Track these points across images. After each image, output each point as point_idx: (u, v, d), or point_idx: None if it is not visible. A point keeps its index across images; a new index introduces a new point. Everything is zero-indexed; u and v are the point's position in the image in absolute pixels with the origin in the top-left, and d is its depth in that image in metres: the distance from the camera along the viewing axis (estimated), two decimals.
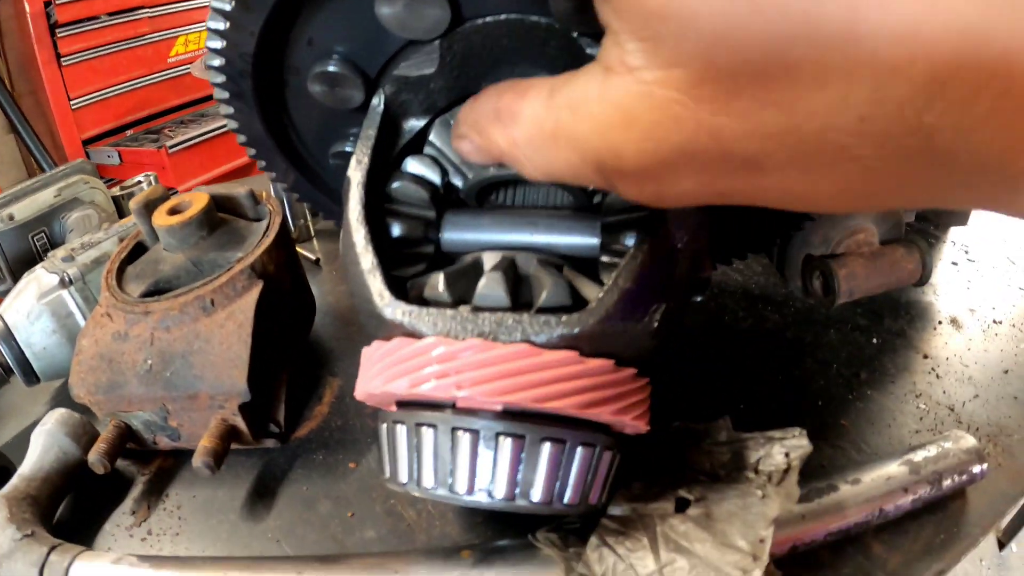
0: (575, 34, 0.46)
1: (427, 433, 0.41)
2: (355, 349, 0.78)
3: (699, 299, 0.54)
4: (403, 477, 0.43)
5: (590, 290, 0.45)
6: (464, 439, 0.40)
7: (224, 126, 2.82)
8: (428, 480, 0.42)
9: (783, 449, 0.52)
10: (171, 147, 2.67)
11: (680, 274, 0.46)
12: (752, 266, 0.86)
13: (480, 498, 0.41)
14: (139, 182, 1.16)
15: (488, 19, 0.47)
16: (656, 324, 0.43)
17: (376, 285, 0.43)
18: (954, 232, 0.92)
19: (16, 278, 0.92)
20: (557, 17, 0.45)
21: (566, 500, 0.42)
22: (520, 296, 0.44)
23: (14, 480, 0.61)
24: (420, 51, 0.50)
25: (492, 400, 0.39)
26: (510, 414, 0.40)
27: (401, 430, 0.43)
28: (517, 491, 0.41)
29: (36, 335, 0.77)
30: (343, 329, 0.83)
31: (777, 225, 0.65)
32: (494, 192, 0.54)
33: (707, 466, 0.54)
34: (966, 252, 0.88)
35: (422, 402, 0.42)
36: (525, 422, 0.40)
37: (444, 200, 0.54)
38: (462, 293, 0.45)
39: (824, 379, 0.69)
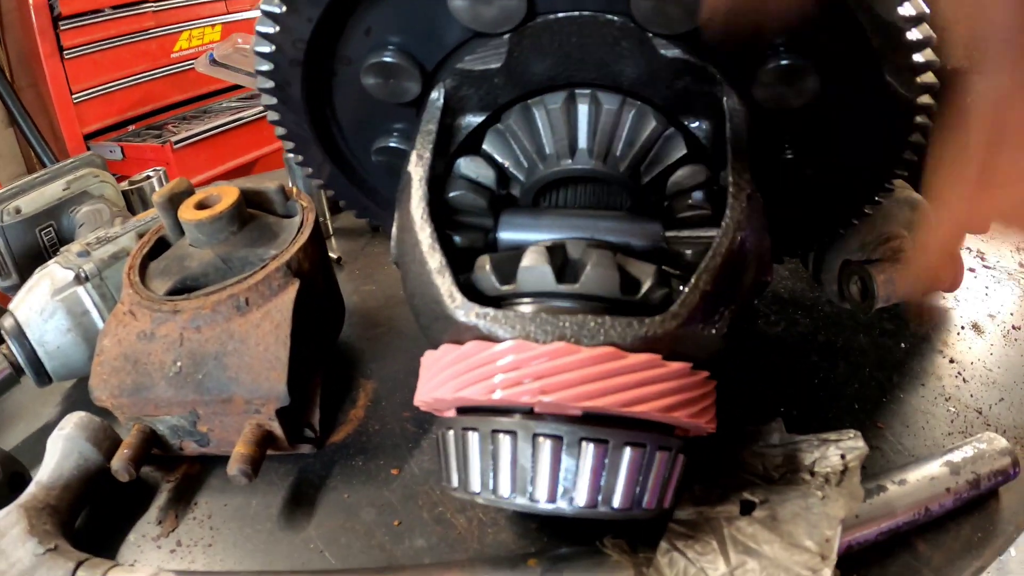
0: (650, 34, 0.45)
1: (504, 440, 0.39)
2: (385, 350, 0.77)
3: (757, 302, 0.53)
4: (475, 486, 0.41)
5: (642, 270, 0.43)
6: (546, 445, 0.38)
7: (228, 123, 2.83)
8: (505, 488, 0.39)
9: (839, 451, 0.53)
10: (176, 143, 2.63)
11: (750, 278, 0.45)
12: (780, 270, 0.86)
13: (562, 505, 0.39)
14: (148, 176, 1.13)
15: (561, 15, 0.46)
16: (727, 327, 0.42)
17: (446, 286, 0.41)
18: (969, 239, 0.93)
19: (22, 273, 0.88)
20: (635, 16, 0.44)
21: (644, 504, 0.40)
22: (564, 275, 0.42)
23: (31, 488, 0.57)
24: (487, 44, 0.48)
25: (575, 405, 0.37)
26: (591, 418, 0.38)
27: (473, 437, 0.40)
28: (599, 497, 0.39)
29: (49, 333, 0.74)
30: (371, 330, 0.81)
31: (814, 230, 0.65)
32: (549, 193, 0.52)
33: (760, 468, 0.54)
34: (982, 259, 0.90)
35: (494, 408, 0.40)
36: (606, 427, 0.38)
37: (500, 201, 0.52)
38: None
39: (858, 382, 0.69)
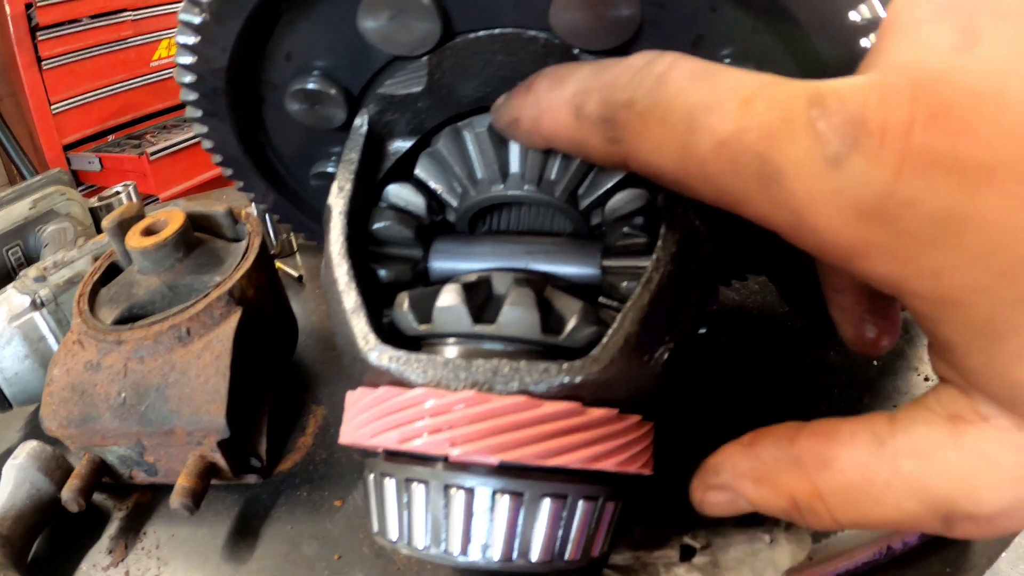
0: (576, 51, 0.43)
1: (418, 489, 0.38)
2: (339, 374, 0.76)
3: (703, 331, 0.51)
4: (392, 534, 0.40)
5: (569, 307, 0.41)
6: (458, 497, 0.37)
7: None
8: (419, 539, 0.38)
9: None
10: (152, 154, 2.62)
11: (689, 311, 0.43)
12: (749, 284, 0.83)
13: (475, 559, 0.37)
14: (117, 192, 1.12)
15: (482, 33, 0.44)
16: (662, 366, 0.40)
17: (360, 327, 0.40)
18: None
19: None
20: (558, 32, 0.42)
21: (567, 556, 0.39)
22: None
23: None
24: (406, 68, 0.47)
25: (489, 457, 0.36)
26: (506, 469, 0.37)
27: (390, 484, 0.39)
28: (515, 551, 0.37)
29: (7, 360, 0.73)
30: (327, 352, 0.80)
31: (786, 250, 0.63)
32: (486, 216, 0.51)
33: None
34: None
35: (413, 454, 0.39)
36: (523, 477, 0.37)
37: (431, 229, 0.51)
38: (478, 311, 0.41)
39: (827, 403, 0.66)
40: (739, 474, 0.39)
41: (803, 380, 0.69)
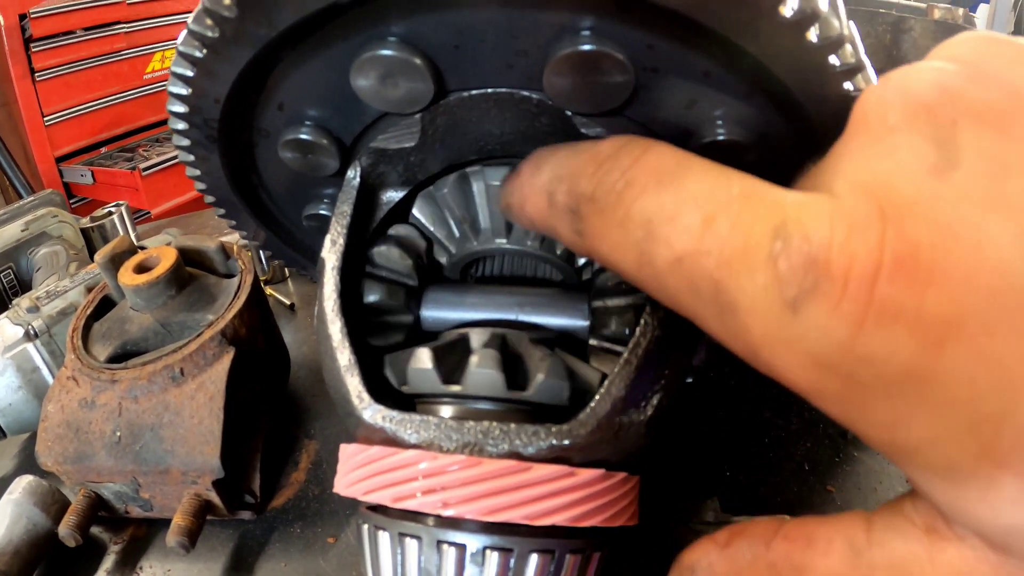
0: (569, 112, 0.44)
1: (411, 544, 0.39)
2: (331, 407, 0.75)
3: (689, 380, 0.52)
4: None
5: (584, 371, 0.43)
6: (450, 553, 0.38)
7: None
8: None
9: None
10: (145, 169, 2.62)
11: (675, 368, 0.43)
12: None
13: None
14: (110, 213, 1.12)
15: (475, 92, 0.44)
16: (648, 425, 0.41)
17: (354, 385, 0.41)
18: None
19: None
20: (551, 95, 0.42)
21: None
22: (516, 378, 0.41)
23: None
24: (399, 123, 0.47)
25: (481, 518, 0.37)
26: (497, 525, 0.38)
27: (384, 537, 0.40)
28: None
29: (1, 390, 0.74)
30: (319, 384, 0.80)
31: None
32: (478, 264, 0.52)
33: None
34: None
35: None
36: (512, 534, 0.38)
37: (426, 273, 0.51)
38: (450, 372, 0.42)
39: (810, 440, 0.67)
40: (715, 574, 0.38)
41: (787, 417, 0.70)
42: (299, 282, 1.01)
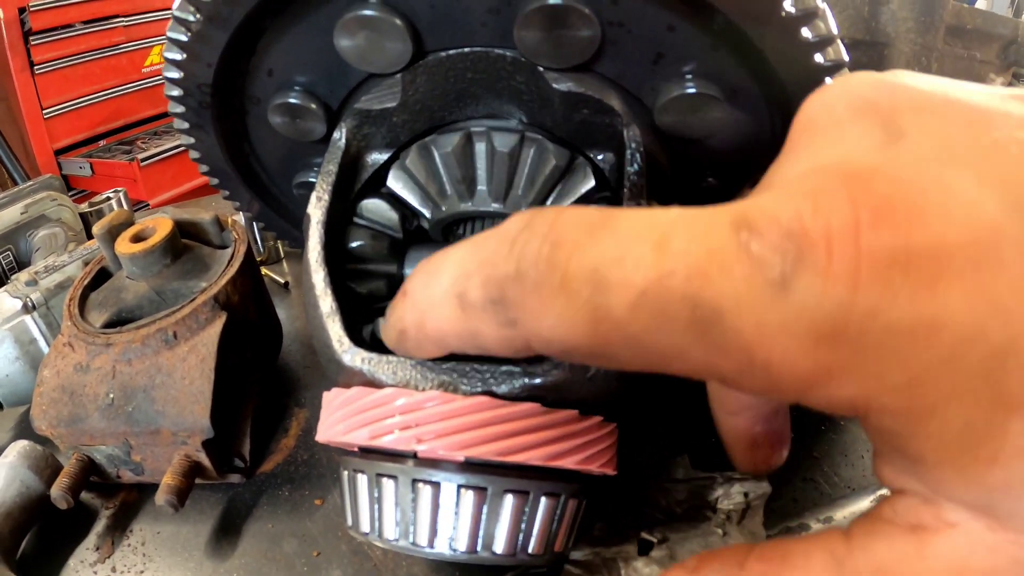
0: (541, 68, 0.46)
1: (388, 484, 0.40)
2: (322, 378, 0.78)
3: None
4: (365, 527, 0.42)
5: None
6: (425, 491, 0.39)
7: None
8: (390, 532, 0.41)
9: (742, 489, 0.52)
10: (143, 160, 2.64)
11: None
12: None
13: (442, 550, 0.40)
14: (108, 198, 1.14)
15: (452, 52, 0.47)
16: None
17: (335, 330, 0.42)
18: None
19: None
20: (522, 51, 0.44)
21: (531, 550, 0.41)
22: None
23: None
24: (382, 84, 0.49)
25: (454, 453, 0.38)
26: (472, 465, 0.39)
27: (362, 479, 0.42)
28: (479, 544, 0.40)
29: None
30: (310, 356, 0.82)
31: None
32: (460, 226, 0.53)
33: (663, 503, 0.54)
34: None
35: (384, 451, 0.41)
36: (487, 474, 0.39)
37: (405, 240, 0.53)
38: None
39: (797, 409, 0.67)
40: None
41: None
42: (293, 262, 1.03)
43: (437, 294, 0.33)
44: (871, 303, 0.23)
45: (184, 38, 0.47)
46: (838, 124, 0.28)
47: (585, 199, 0.50)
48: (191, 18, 0.45)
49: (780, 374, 0.26)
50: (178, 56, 0.48)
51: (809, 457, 0.62)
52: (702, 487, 0.54)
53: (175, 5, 0.45)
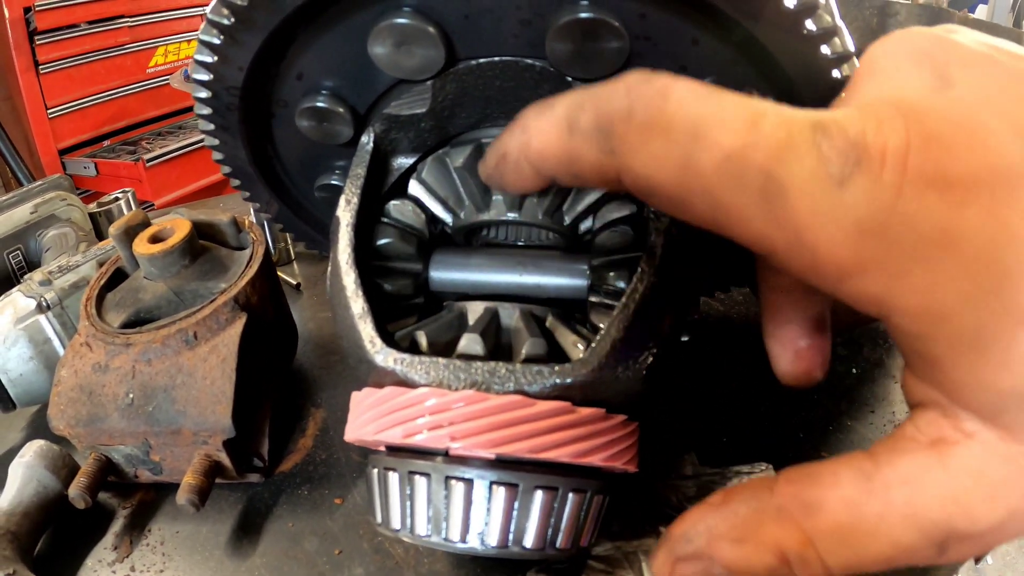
0: (570, 78, 0.46)
1: (420, 482, 0.41)
2: (337, 379, 0.79)
3: (685, 339, 0.54)
4: (396, 524, 0.43)
5: (568, 341, 0.45)
6: (458, 488, 0.40)
7: (202, 140, 2.80)
8: (421, 528, 0.41)
9: None
10: (148, 160, 2.64)
11: (670, 319, 0.46)
12: (733, 295, 0.86)
13: (474, 545, 0.40)
14: (116, 199, 1.14)
15: (482, 60, 0.47)
16: (646, 370, 0.43)
17: (367, 331, 0.43)
18: None
19: None
20: (552, 61, 0.45)
21: (558, 545, 0.42)
22: (499, 354, 0.44)
23: None
24: (411, 90, 0.50)
25: (487, 450, 0.39)
26: (502, 462, 0.40)
27: (393, 477, 0.42)
28: (510, 538, 0.41)
29: (12, 361, 0.75)
30: (325, 358, 0.82)
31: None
32: (483, 229, 0.54)
33: (673, 500, 0.55)
34: None
35: (414, 448, 0.42)
36: (518, 470, 0.40)
37: (431, 242, 0.53)
38: (445, 346, 0.45)
39: (805, 410, 0.69)
40: (716, 536, 0.36)
41: (784, 388, 0.71)
42: (304, 264, 1.03)
43: (549, 120, 0.36)
44: (909, 211, 0.28)
45: (217, 41, 0.47)
46: (898, 69, 0.33)
47: (599, 205, 0.51)
48: (225, 22, 0.46)
49: (823, 257, 0.30)
50: (209, 59, 0.49)
51: (816, 456, 0.63)
52: (710, 482, 0.55)
53: (209, 8, 0.46)
